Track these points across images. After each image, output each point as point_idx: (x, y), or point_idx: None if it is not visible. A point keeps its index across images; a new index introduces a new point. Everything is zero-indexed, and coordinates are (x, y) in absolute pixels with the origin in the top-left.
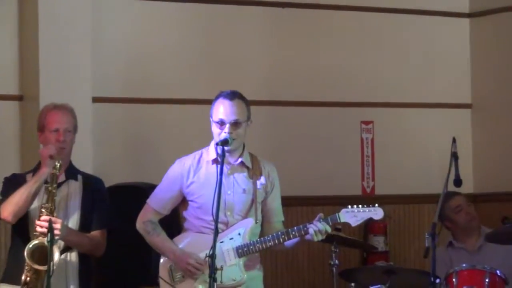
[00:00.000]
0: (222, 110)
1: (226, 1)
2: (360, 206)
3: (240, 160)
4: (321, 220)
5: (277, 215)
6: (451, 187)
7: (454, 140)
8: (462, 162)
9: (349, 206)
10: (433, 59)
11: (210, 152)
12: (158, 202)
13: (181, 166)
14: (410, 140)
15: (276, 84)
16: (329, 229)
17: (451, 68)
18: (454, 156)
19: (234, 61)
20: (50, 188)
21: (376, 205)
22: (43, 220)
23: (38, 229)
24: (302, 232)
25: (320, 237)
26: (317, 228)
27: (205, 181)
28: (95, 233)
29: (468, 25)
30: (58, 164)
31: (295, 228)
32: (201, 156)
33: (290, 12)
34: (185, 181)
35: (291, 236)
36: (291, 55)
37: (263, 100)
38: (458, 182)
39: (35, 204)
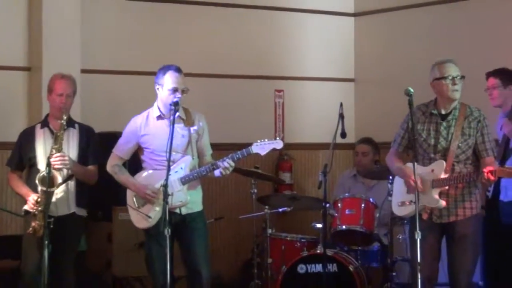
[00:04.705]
0: (175, 80)
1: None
2: (266, 140)
3: (177, 114)
4: (230, 156)
5: (208, 149)
6: (339, 138)
7: (341, 105)
8: (347, 120)
9: (258, 141)
10: (308, 45)
11: (154, 111)
12: (121, 150)
13: (135, 123)
14: (310, 104)
15: (210, 59)
16: (232, 165)
17: (331, 49)
18: (341, 116)
19: (173, 40)
20: (58, 134)
21: (277, 138)
22: (55, 157)
23: (53, 163)
24: (214, 167)
25: (227, 172)
26: (223, 165)
27: (154, 132)
28: (91, 167)
29: (353, 22)
30: (66, 117)
31: (209, 164)
32: (148, 114)
33: None
34: (139, 134)
35: (213, 168)
36: (222, 36)
37: (198, 73)
38: (343, 134)
39: (41, 149)
